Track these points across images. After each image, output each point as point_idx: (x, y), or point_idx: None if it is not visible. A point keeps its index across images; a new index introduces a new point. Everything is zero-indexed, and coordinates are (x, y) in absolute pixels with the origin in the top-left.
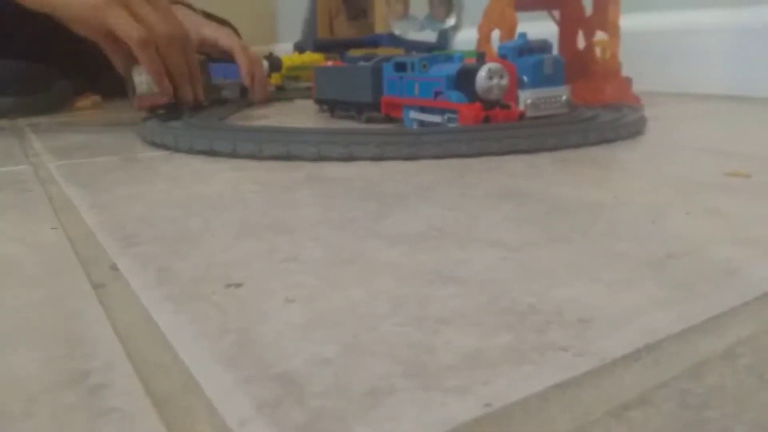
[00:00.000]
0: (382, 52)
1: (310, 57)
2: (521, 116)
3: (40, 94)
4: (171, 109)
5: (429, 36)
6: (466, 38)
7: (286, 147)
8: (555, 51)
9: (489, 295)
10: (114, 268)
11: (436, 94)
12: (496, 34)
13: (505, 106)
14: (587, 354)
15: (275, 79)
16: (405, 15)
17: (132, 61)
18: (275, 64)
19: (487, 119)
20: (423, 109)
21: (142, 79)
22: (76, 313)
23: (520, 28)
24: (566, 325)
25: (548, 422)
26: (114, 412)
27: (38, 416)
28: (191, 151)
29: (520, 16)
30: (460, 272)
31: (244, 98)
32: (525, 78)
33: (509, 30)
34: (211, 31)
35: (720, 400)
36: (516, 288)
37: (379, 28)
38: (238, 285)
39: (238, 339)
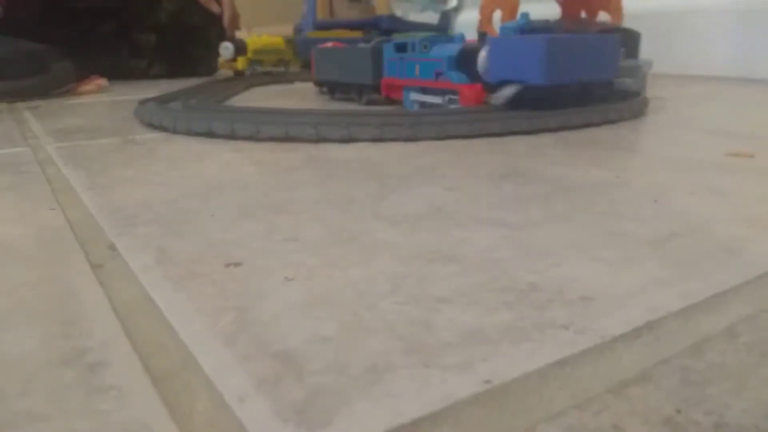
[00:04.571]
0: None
1: (270, 39)
2: None
3: (38, 77)
4: None
5: (431, 18)
6: (467, 20)
7: (284, 128)
8: None
9: (489, 274)
10: (112, 248)
11: (437, 74)
12: (498, 15)
13: None
14: (588, 332)
15: (241, 63)
16: None
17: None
18: (240, 47)
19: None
20: (424, 90)
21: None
22: (74, 293)
23: (522, 8)
24: (567, 304)
25: (547, 399)
26: (112, 390)
27: (35, 394)
28: (190, 132)
29: None
30: (461, 251)
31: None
32: None
33: (511, 10)
34: None
35: (720, 377)
36: (517, 266)
37: (380, 10)
38: (238, 264)
39: (237, 317)
